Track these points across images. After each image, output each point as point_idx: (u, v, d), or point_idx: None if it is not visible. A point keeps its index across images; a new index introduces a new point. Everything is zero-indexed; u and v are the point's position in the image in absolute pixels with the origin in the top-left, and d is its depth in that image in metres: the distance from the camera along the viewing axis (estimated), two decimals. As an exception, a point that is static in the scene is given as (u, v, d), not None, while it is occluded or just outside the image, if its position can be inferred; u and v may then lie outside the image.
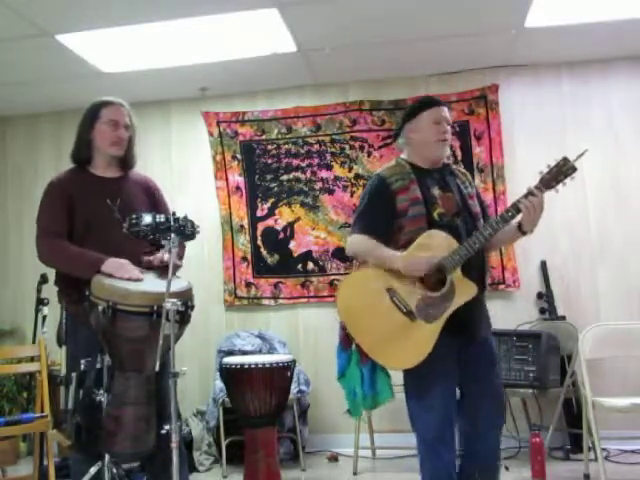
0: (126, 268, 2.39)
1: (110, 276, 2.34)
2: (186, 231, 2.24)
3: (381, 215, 2.43)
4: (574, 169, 2.27)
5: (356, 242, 2.48)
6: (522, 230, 2.36)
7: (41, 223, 2.59)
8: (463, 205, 2.46)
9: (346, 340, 2.51)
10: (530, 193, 2.28)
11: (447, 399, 2.36)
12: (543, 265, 4.30)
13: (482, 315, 2.49)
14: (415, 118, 2.50)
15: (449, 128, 2.50)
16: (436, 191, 2.44)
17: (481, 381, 2.43)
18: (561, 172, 2.27)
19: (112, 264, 2.39)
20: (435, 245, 2.31)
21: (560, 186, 2.29)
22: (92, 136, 2.64)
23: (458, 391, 2.48)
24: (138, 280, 2.36)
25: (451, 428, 2.38)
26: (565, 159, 2.28)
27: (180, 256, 2.64)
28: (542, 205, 2.28)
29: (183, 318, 2.25)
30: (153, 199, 2.76)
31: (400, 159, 2.54)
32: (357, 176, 4.55)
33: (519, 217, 2.33)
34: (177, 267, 2.41)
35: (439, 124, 2.47)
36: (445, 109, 2.50)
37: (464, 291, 2.28)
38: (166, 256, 2.46)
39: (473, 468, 2.42)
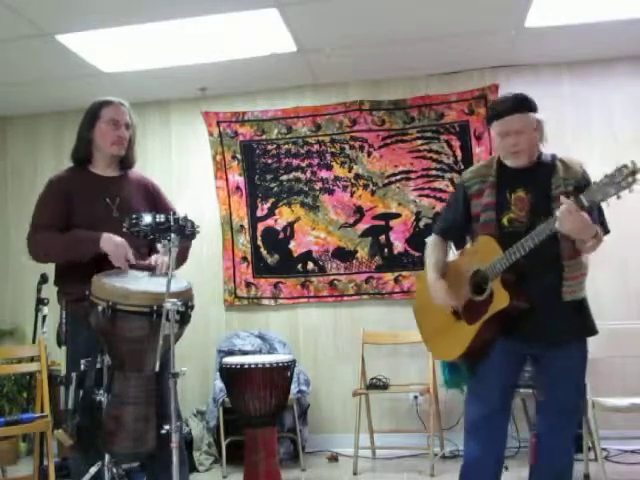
0: (122, 249, 2.42)
1: (109, 276, 2.34)
2: (186, 231, 2.24)
3: (454, 219, 2.56)
4: (633, 181, 2.03)
5: (427, 244, 2.65)
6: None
7: (33, 221, 2.61)
8: (543, 207, 2.29)
9: None
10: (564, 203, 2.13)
11: (487, 397, 2.41)
12: (543, 265, 4.29)
13: (545, 324, 2.30)
14: (491, 127, 2.48)
15: (521, 137, 2.36)
16: (517, 193, 2.37)
17: (543, 391, 2.44)
18: (613, 183, 2.06)
19: (108, 241, 2.42)
20: (481, 252, 2.38)
21: (613, 199, 2.08)
22: (92, 135, 2.64)
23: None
24: (129, 263, 2.43)
25: (488, 423, 2.41)
26: (621, 169, 2.03)
27: (182, 256, 2.63)
28: (572, 216, 2.10)
29: (183, 318, 2.25)
30: (154, 199, 2.76)
31: (494, 157, 2.54)
32: (357, 176, 4.55)
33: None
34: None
35: (504, 138, 2.39)
36: (509, 119, 2.37)
37: (499, 300, 2.31)
38: (153, 258, 2.49)
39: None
